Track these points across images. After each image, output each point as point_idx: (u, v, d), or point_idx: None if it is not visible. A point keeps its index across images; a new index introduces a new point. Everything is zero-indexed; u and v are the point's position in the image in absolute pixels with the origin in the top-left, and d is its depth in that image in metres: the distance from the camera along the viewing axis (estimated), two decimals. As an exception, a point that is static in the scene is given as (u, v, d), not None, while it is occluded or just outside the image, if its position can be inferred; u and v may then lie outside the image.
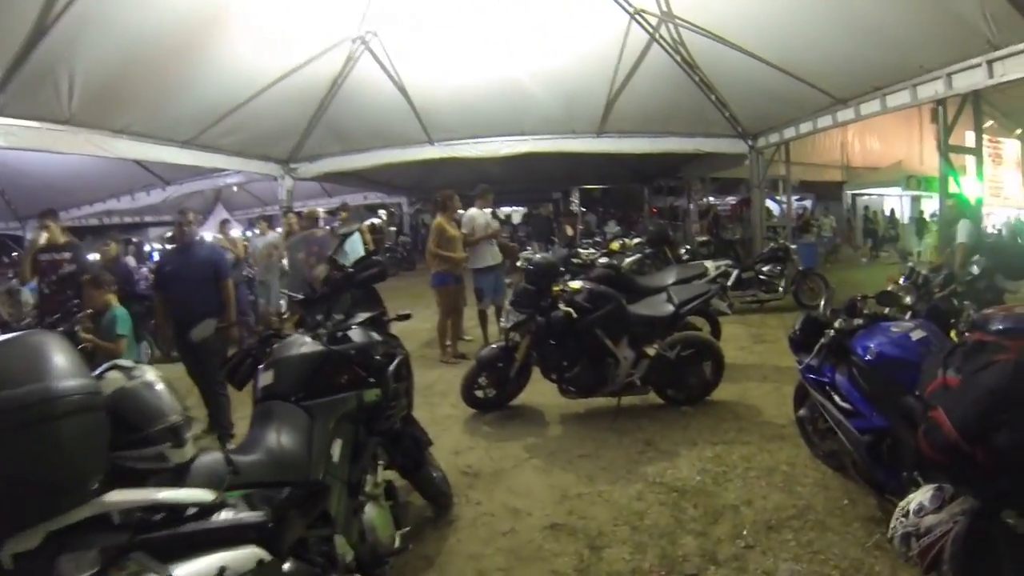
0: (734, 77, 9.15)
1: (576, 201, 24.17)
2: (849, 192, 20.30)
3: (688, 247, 10.99)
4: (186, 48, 7.40)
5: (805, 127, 9.59)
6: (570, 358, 4.98)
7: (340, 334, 3.04)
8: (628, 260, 9.56)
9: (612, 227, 13.49)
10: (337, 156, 11.94)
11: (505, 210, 27.33)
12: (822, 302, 4.00)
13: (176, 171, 12.20)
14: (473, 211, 7.63)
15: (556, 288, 4.90)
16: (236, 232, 20.24)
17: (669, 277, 6.71)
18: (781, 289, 9.42)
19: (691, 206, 17.57)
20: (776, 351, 7.15)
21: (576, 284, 5.05)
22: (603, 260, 7.11)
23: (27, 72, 6.20)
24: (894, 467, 3.05)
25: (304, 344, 2.89)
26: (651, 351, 5.12)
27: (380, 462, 3.11)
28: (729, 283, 8.18)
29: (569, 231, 8.62)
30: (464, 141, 11.41)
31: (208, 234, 19.71)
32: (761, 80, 8.65)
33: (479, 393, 5.45)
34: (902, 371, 2.99)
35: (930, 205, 19.15)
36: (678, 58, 9.12)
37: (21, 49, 5.95)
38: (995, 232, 13.69)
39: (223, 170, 11.84)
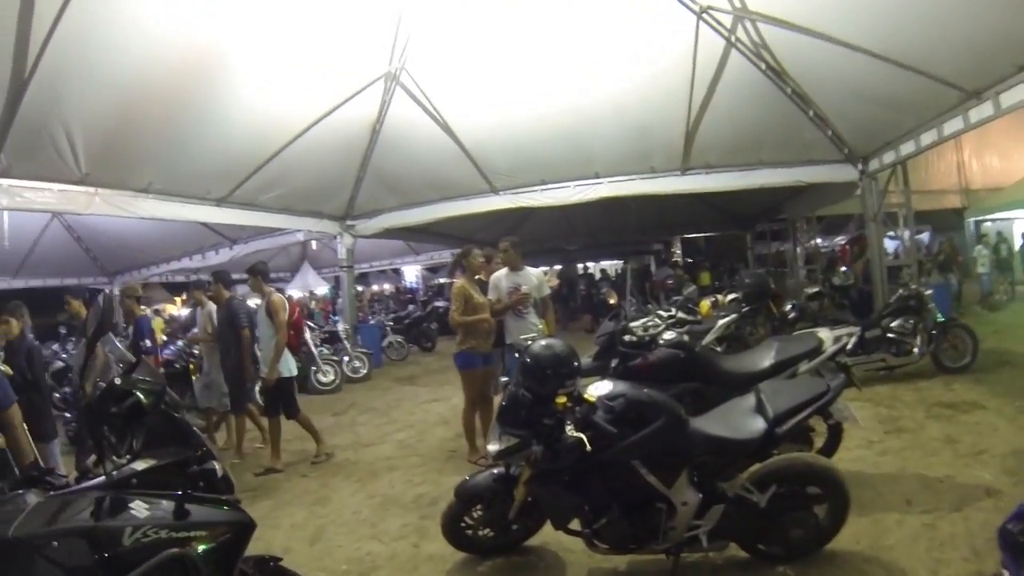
0: (833, 82, 6.94)
1: (678, 252, 21.97)
2: (971, 219, 16.61)
3: (794, 302, 8.51)
4: (187, 98, 6.51)
5: (927, 137, 6.98)
6: (593, 503, 2.99)
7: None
8: (721, 323, 7.28)
9: (687, 288, 10.74)
10: (396, 211, 10.66)
11: (603, 264, 25.27)
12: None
13: (240, 230, 11.44)
14: (499, 273, 5.76)
15: (561, 399, 2.85)
16: (322, 290, 19.73)
17: (765, 358, 4.42)
18: (916, 350, 6.80)
19: (798, 250, 14.69)
20: (920, 446, 4.80)
21: (599, 390, 3.01)
22: (669, 335, 4.92)
23: (18, 130, 5.53)
24: None
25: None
26: (728, 488, 3.02)
27: None
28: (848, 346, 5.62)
29: (612, 299, 6.36)
30: (531, 189, 9.69)
31: (296, 293, 19.32)
32: (867, 81, 6.45)
33: (469, 532, 3.57)
34: None
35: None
36: (762, 66, 7.01)
37: (4, 107, 5.28)
38: None
39: (283, 229, 10.90)
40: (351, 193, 10.01)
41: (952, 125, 6.52)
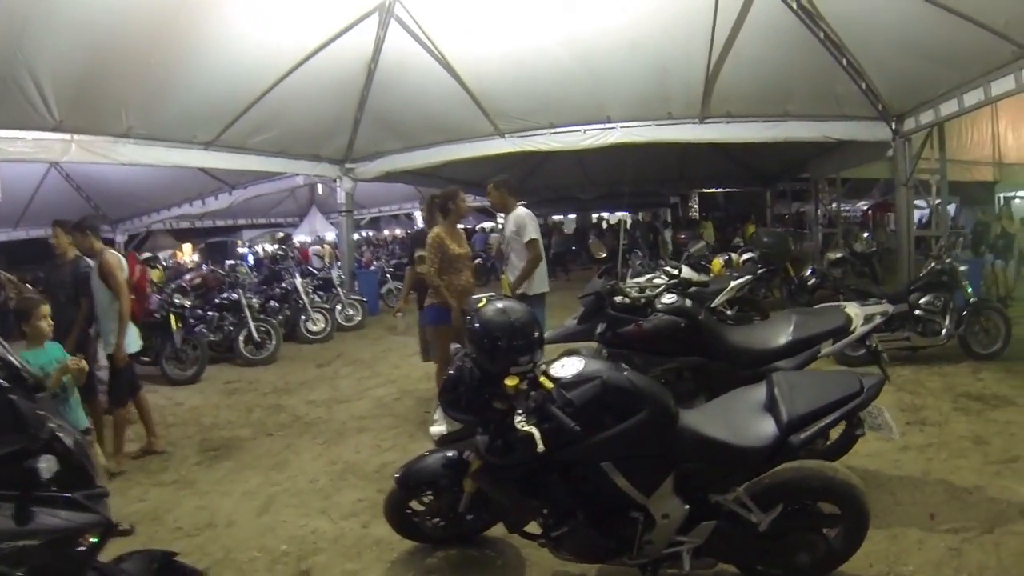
0: (871, 28, 6.06)
1: (695, 207, 20.90)
2: (1001, 195, 15.37)
3: (815, 267, 7.66)
4: (165, 36, 5.84)
5: (972, 97, 6.01)
6: (554, 507, 2.35)
7: None
8: (734, 284, 6.44)
9: (695, 245, 9.76)
10: (397, 154, 9.86)
11: (619, 215, 24.27)
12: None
13: (239, 175, 10.77)
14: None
15: (513, 380, 2.15)
16: (331, 236, 18.90)
17: (782, 333, 3.60)
18: (944, 331, 5.97)
19: (819, 212, 13.67)
20: (945, 445, 4.05)
21: (568, 369, 2.30)
22: (669, 298, 3.99)
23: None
24: None
25: None
26: (723, 502, 2.35)
27: None
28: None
29: (601, 253, 5.41)
30: (539, 132, 8.80)
31: (304, 238, 18.61)
32: (909, 28, 5.66)
33: (417, 520, 2.97)
34: None
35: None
36: (793, 5, 6.07)
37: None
38: None
39: (280, 173, 10.29)
40: (350, 135, 9.26)
41: (1001, 85, 5.59)
